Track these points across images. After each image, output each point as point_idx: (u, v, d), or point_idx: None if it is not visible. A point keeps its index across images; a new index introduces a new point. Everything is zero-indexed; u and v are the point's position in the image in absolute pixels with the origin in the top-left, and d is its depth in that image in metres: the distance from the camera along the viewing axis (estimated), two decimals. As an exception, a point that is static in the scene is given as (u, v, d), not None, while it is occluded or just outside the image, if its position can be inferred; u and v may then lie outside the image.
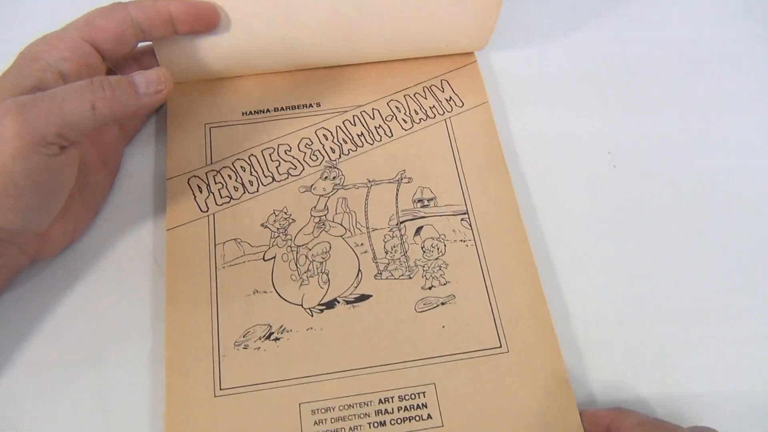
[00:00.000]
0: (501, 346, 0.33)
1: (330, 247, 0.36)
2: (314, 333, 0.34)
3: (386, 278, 0.35)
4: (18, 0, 0.46)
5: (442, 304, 0.34)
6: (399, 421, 0.32)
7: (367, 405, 0.32)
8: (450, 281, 0.35)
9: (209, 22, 0.36)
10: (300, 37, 0.38)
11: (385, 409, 0.32)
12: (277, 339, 0.33)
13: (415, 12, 0.38)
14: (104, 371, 0.33)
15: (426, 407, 0.32)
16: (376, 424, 0.32)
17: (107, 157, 0.37)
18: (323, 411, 0.32)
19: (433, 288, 0.35)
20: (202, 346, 0.33)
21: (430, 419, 0.32)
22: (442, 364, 0.33)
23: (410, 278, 0.35)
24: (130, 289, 0.35)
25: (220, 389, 0.32)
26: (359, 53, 0.41)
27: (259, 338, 0.33)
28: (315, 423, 0.31)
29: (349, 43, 0.40)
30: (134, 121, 0.40)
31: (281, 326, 0.34)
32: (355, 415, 0.32)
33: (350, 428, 0.31)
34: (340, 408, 0.32)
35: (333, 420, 0.32)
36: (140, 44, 0.38)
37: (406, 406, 0.32)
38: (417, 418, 0.32)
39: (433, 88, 0.42)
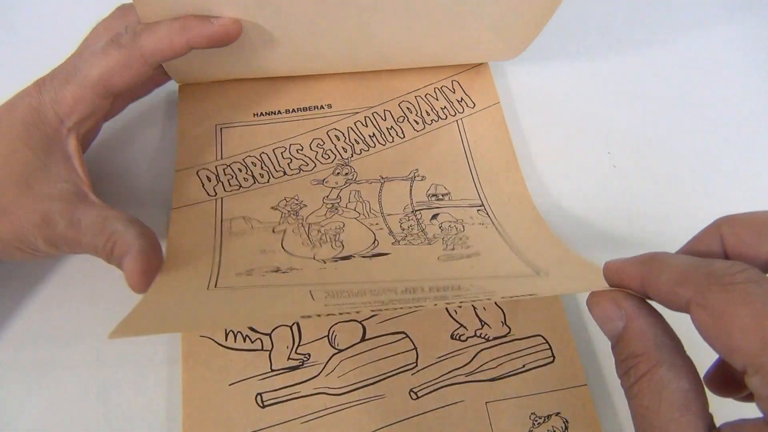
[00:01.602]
0: (537, 274, 0.30)
1: (344, 225, 0.34)
2: (327, 271, 0.31)
3: (404, 245, 0.33)
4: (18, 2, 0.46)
5: (467, 257, 0.32)
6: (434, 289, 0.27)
7: (392, 291, 0.28)
8: (472, 246, 0.33)
9: (228, 42, 0.34)
10: (321, 52, 0.38)
11: (413, 290, 0.28)
12: (284, 272, 0.31)
13: (447, 34, 0.37)
14: (106, 371, 0.32)
15: (460, 288, 0.28)
16: (407, 291, 0.27)
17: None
18: (340, 292, 0.28)
19: (455, 249, 0.33)
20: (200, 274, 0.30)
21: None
22: (475, 280, 0.30)
23: (430, 245, 0.33)
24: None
25: (215, 286, 0.29)
26: (381, 64, 0.41)
27: (265, 271, 0.31)
28: (326, 296, 0.27)
29: (374, 59, 0.39)
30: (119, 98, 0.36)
31: (290, 267, 0.31)
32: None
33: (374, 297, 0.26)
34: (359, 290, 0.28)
35: (350, 294, 0.27)
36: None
37: (438, 288, 0.28)
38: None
39: (444, 89, 0.42)
